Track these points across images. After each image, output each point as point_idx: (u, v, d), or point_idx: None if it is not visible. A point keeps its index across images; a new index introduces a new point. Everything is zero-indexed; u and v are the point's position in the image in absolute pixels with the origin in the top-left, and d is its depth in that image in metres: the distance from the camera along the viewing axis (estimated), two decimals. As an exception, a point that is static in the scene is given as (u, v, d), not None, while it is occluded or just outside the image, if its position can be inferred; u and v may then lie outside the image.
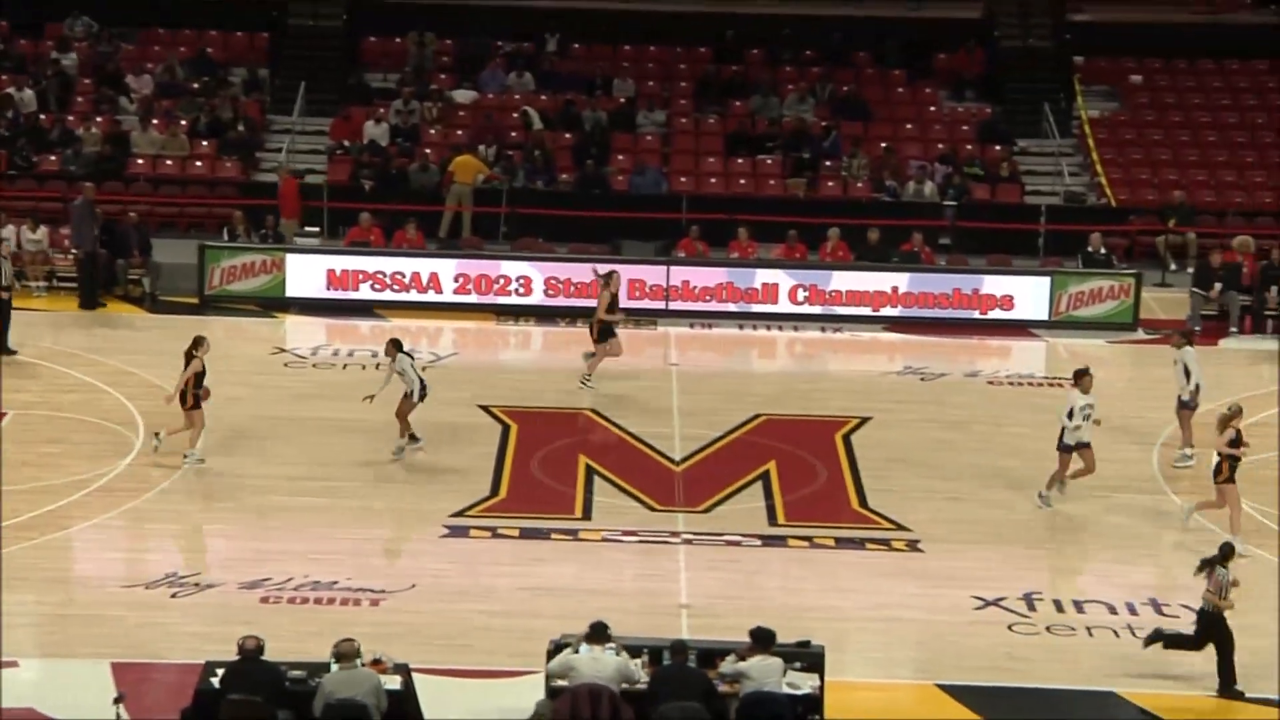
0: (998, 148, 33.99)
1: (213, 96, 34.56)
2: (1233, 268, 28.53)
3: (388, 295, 28.65)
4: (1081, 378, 20.81)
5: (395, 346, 21.76)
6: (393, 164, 33.01)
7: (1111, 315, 28.41)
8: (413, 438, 21.83)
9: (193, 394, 21.26)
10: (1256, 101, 35.22)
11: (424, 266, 28.81)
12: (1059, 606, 18.21)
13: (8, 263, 25.77)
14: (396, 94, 34.97)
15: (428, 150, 33.39)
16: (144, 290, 28.74)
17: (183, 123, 33.86)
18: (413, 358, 21.99)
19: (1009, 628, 17.76)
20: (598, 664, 14.69)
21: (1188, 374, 22.22)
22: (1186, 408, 22.31)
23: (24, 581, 17.94)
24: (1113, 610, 18.14)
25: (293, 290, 28.64)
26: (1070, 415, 20.55)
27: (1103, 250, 29.41)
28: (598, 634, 14.89)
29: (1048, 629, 17.75)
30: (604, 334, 24.55)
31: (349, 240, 30.10)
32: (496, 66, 36.00)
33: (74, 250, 28.65)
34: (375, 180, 32.51)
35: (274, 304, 28.48)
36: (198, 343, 21.51)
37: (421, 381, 21.63)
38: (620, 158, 33.79)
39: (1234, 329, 28.11)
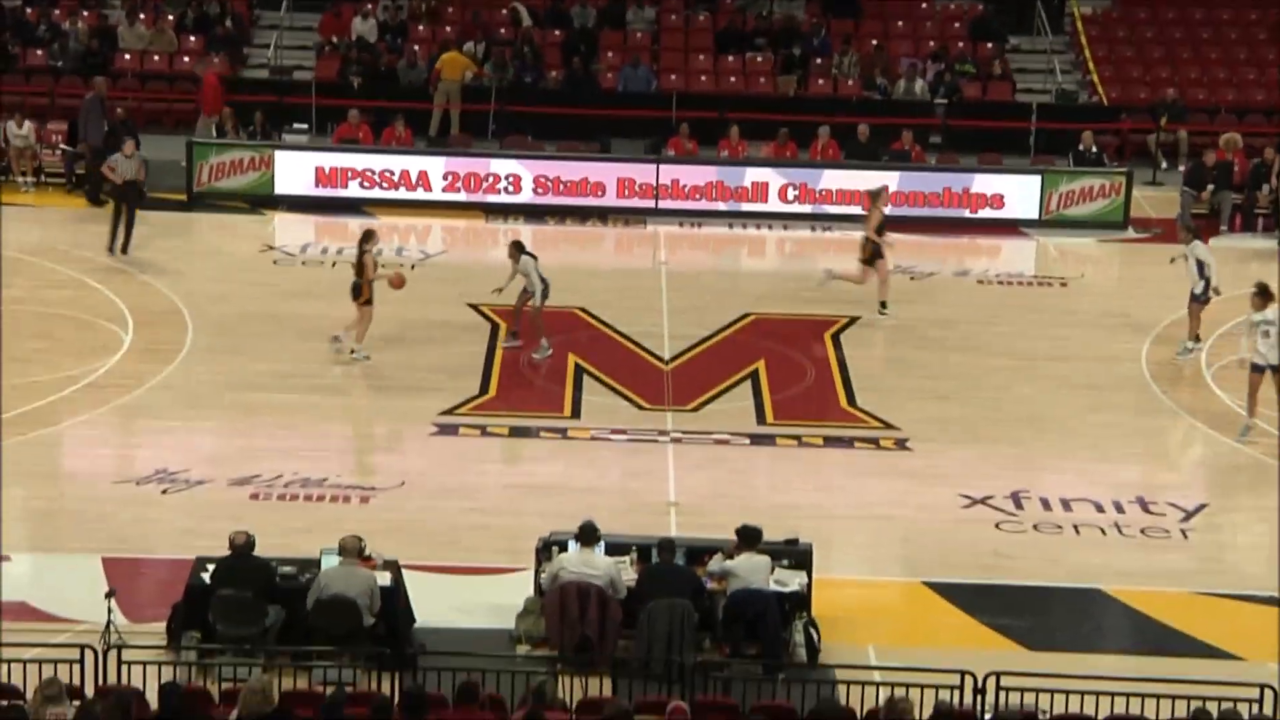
0: (989, 45, 33.78)
1: (199, -8, 34.24)
2: (1224, 166, 28.45)
3: (376, 193, 28.52)
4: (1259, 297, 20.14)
5: (518, 249, 21.91)
6: (381, 61, 32.79)
7: (1102, 214, 28.35)
8: (513, 335, 22.10)
9: (367, 288, 21.32)
10: (1249, -1, 35.02)
11: (413, 164, 28.65)
12: (1046, 504, 18.31)
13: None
14: (384, -11, 34.66)
15: (416, 47, 33.15)
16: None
17: (170, 18, 33.57)
18: (535, 258, 21.92)
19: (996, 526, 17.86)
20: (587, 564, 14.78)
21: (1201, 268, 22.19)
22: (1197, 301, 22.31)
23: (14, 477, 17.97)
24: (1099, 509, 18.24)
25: (281, 188, 28.49)
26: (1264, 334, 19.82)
27: (1094, 149, 29.30)
28: (587, 535, 14.96)
29: (1034, 527, 17.85)
30: (875, 255, 23.63)
31: (337, 138, 29.93)
32: (485, -38, 35.66)
33: (81, 144, 28.34)
34: (363, 77, 32.29)
35: (262, 201, 28.36)
36: (368, 236, 21.61)
37: (544, 281, 21.69)
38: (609, 55, 33.57)
39: (1224, 227, 28.07)
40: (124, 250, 25.27)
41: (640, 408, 20.71)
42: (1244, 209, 28.34)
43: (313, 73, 32.87)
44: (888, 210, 24.74)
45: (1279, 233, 27.64)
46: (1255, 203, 28.31)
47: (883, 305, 23.74)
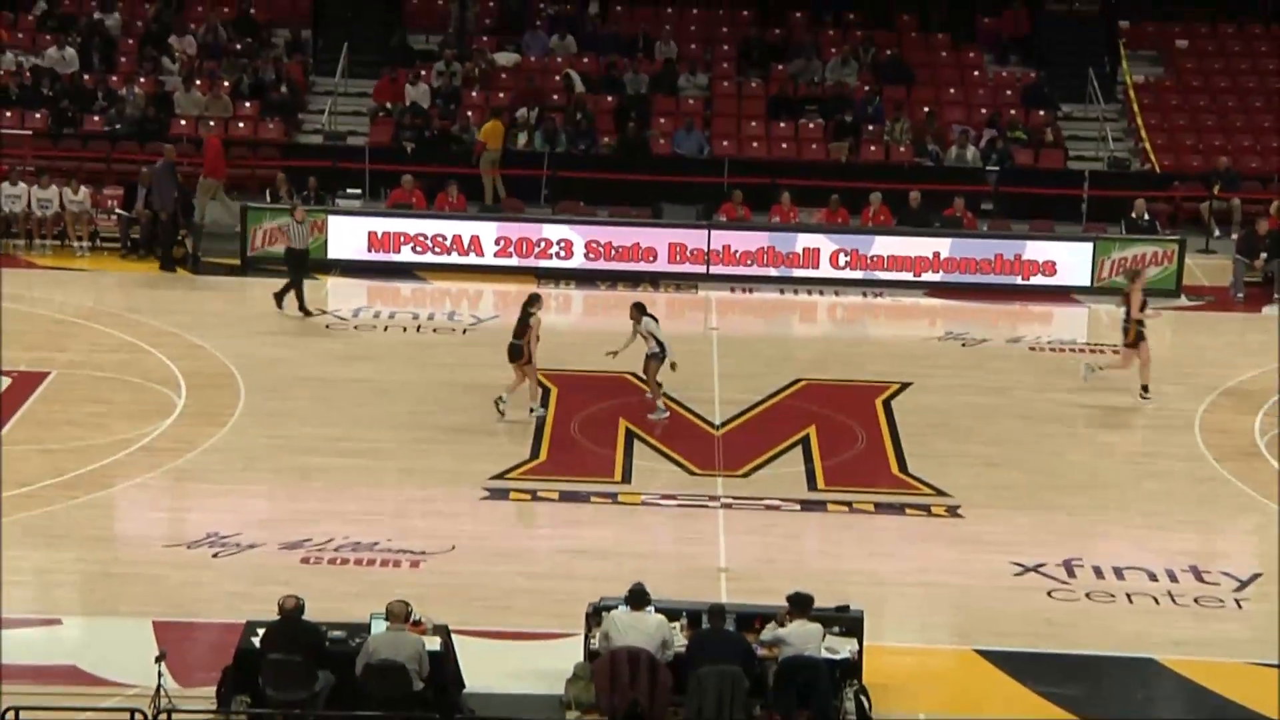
0: (1041, 112, 33.81)
1: (256, 57, 34.64)
2: (1277, 234, 28.34)
3: (429, 258, 28.70)
4: None
5: (639, 310, 22.12)
6: (434, 126, 33.04)
7: (1155, 282, 28.23)
8: (665, 395, 22.25)
9: (529, 349, 21.73)
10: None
11: (465, 229, 28.83)
12: (1099, 573, 18.18)
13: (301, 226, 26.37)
14: (438, 56, 34.99)
15: (469, 112, 33.40)
16: (186, 251, 28.82)
17: (225, 84, 33.94)
18: (656, 320, 22.15)
19: (1048, 594, 17.74)
20: (637, 627, 14.75)
21: None
22: None
23: (67, 539, 18.10)
24: (1153, 577, 18.11)
25: (334, 252, 28.69)
26: None
27: (1146, 216, 29.24)
28: (637, 598, 14.94)
29: (1087, 595, 17.73)
30: (1139, 338, 23.14)
31: (391, 202, 30.15)
32: (538, 29, 35.96)
33: (151, 211, 28.63)
34: (416, 142, 32.54)
35: (316, 266, 28.54)
36: (533, 300, 22.16)
37: (661, 344, 21.89)
38: (662, 121, 33.74)
39: (1278, 295, 27.93)
40: (305, 310, 25.98)
41: (691, 473, 20.69)
42: (1298, 276, 28.20)
43: (366, 138, 33.14)
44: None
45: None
46: (1309, 270, 28.18)
47: (1144, 389, 23.18)
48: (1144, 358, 23.17)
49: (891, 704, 15.17)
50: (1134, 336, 23.20)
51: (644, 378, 22.40)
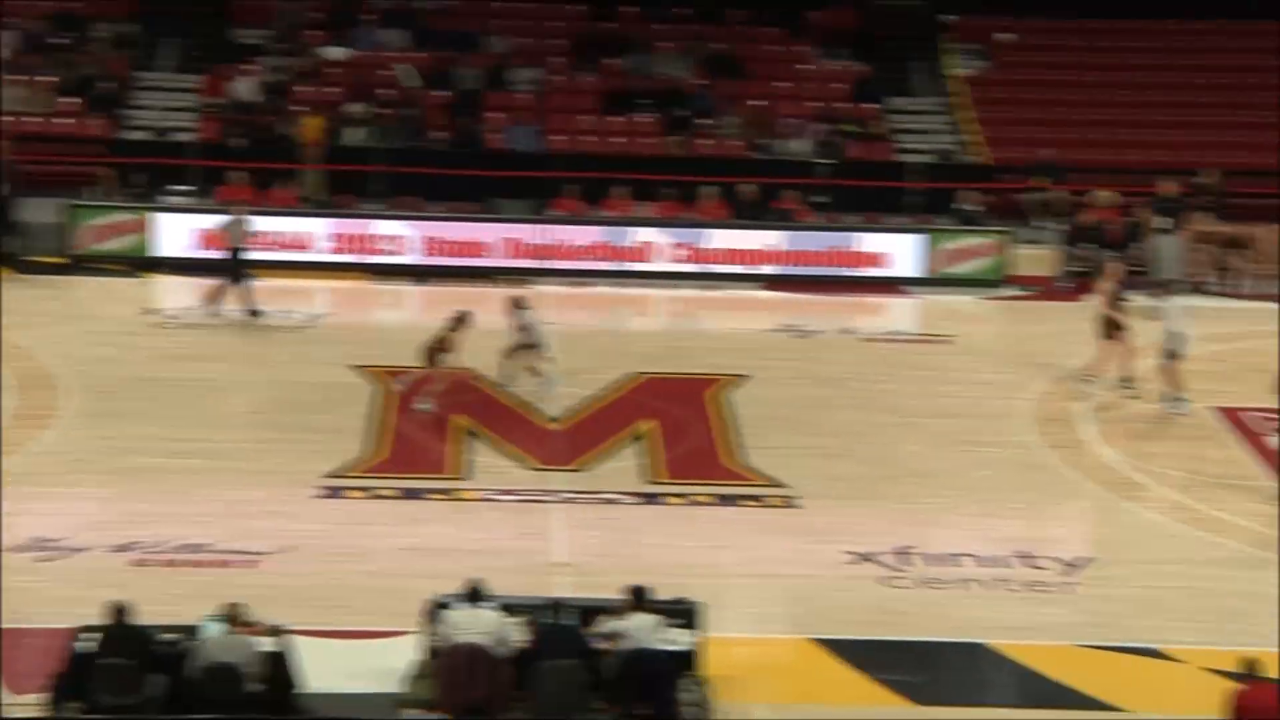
0: (870, 105, 34.19)
1: (79, 53, 33.95)
2: (1099, 225, 28.91)
3: (263, 255, 28.31)
4: None
5: (517, 304, 22.43)
6: (264, 122, 32.63)
7: (983, 272, 28.72)
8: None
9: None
10: (1119, 61, 35.66)
11: (298, 225, 28.53)
12: (932, 560, 18.43)
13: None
14: (267, 51, 34.57)
15: (300, 108, 33.03)
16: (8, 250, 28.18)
17: (48, 79, 33.24)
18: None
19: (883, 582, 17.95)
20: (476, 623, 14.68)
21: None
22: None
23: (-112, 547, 17.62)
24: (984, 563, 18.38)
25: (163, 250, 28.26)
26: None
27: (973, 208, 29.68)
28: (475, 594, 14.88)
29: (921, 582, 17.95)
30: (1114, 328, 23.08)
31: (220, 199, 29.74)
32: (369, 23, 35.66)
33: None
34: (246, 138, 32.13)
35: (143, 264, 28.08)
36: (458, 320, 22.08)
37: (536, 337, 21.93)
38: (494, 115, 33.62)
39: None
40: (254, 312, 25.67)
41: (529, 468, 20.66)
42: (1121, 266, 28.76)
43: (194, 134, 32.66)
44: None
45: (1152, 290, 28.09)
46: (1129, 261, 28.74)
47: (1125, 381, 23.24)
48: (1123, 350, 23.21)
49: (730, 695, 15.24)
50: (1108, 330, 23.30)
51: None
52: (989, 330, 27.16)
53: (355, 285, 28.16)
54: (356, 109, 32.83)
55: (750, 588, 17.90)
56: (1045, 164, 32.03)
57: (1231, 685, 14.36)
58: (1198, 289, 28.17)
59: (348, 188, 31.30)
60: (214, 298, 25.69)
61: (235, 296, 25.64)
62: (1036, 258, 29.80)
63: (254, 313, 25.61)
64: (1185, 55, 35.75)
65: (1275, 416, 22.34)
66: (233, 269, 25.76)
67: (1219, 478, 20.77)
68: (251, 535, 18.44)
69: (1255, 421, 22.37)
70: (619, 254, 28.71)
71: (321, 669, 15.20)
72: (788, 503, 19.94)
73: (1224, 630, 16.92)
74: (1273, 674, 14.32)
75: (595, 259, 28.69)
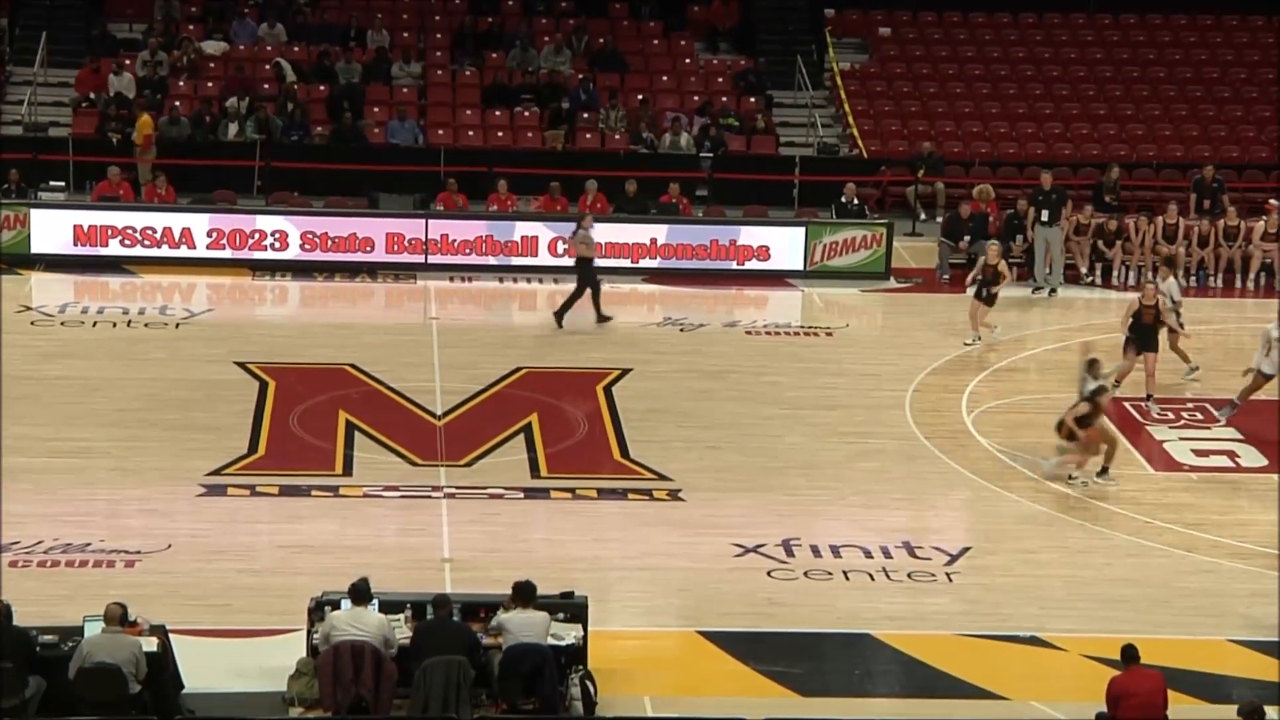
0: (752, 99, 34.33)
1: (-52, 46, 33.42)
2: (980, 218, 29.22)
3: (138, 251, 28.00)
4: None
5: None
6: (141, 117, 32.20)
7: (864, 264, 28.92)
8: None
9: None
10: (999, 54, 36.05)
11: (175, 221, 28.20)
12: (816, 551, 18.54)
13: None
14: (143, 45, 34.15)
15: (177, 103, 32.67)
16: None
17: (-84, 74, 32.70)
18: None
19: (768, 574, 18.03)
20: (359, 621, 14.60)
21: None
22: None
23: None
24: (868, 554, 18.52)
25: (38, 246, 27.85)
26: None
27: (855, 201, 29.92)
28: (359, 594, 14.79)
29: (805, 574, 18.06)
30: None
31: (97, 195, 29.33)
32: (247, 17, 35.32)
33: None
34: (123, 134, 31.71)
35: (19, 260, 27.65)
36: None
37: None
38: (376, 110, 33.42)
39: (978, 275, 28.74)
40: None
41: (413, 464, 20.56)
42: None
43: (69, 129, 32.20)
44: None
45: (1031, 281, 28.46)
46: (1010, 252, 29.08)
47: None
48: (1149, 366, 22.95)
49: (617, 688, 15.27)
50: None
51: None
52: (871, 322, 27.37)
53: (235, 281, 27.89)
54: (235, 103, 32.50)
55: (636, 581, 17.92)
56: (925, 157, 32.32)
57: (1110, 672, 14.58)
58: (1075, 280, 28.53)
59: (227, 183, 30.95)
60: None
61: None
62: (917, 250, 30.06)
63: None
64: (1064, 48, 36.19)
65: (1148, 406, 22.69)
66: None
67: (1097, 466, 21.03)
68: (132, 534, 18.22)
69: (1133, 410, 22.69)
70: (502, 248, 28.63)
71: (204, 668, 15.08)
72: (673, 495, 19.98)
73: (1103, 617, 17.16)
74: (1150, 660, 14.53)
75: (479, 254, 28.60)
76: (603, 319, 25.92)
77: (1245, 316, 27.58)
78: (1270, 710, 14.04)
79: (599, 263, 26.52)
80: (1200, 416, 22.66)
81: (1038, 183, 29.24)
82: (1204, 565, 18.49)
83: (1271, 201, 30.49)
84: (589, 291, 25.88)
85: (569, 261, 28.44)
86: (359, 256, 28.38)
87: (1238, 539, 19.07)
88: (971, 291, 25.40)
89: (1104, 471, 20.48)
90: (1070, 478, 20.39)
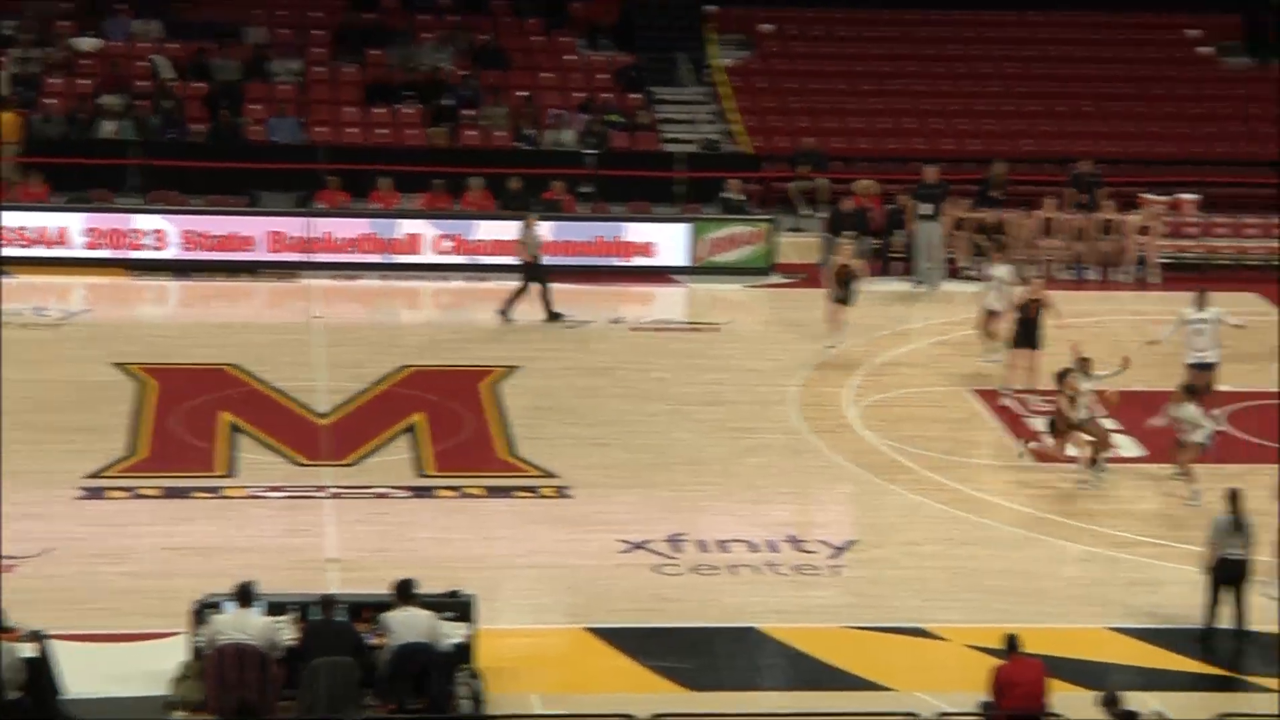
0: (635, 96, 34.35)
1: None
2: (861, 213, 29.42)
3: (13, 251, 27.54)
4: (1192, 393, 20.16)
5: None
6: (3, 115, 31.67)
7: (749, 260, 29.04)
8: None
9: None
10: (881, 50, 36.30)
11: (51, 220, 27.81)
12: (703, 546, 18.59)
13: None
14: (16, 41, 33.59)
15: (51, 100, 32.16)
16: None
17: None
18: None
19: (655, 569, 18.06)
20: (244, 624, 14.45)
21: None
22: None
23: None
24: (754, 549, 18.60)
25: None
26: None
27: (739, 197, 30.01)
28: (244, 595, 14.64)
29: (692, 569, 18.10)
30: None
31: (-29, 194, 28.86)
32: (122, 13, 34.84)
33: None
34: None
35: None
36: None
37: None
38: (255, 107, 33.09)
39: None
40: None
41: (297, 464, 20.39)
42: (881, 253, 29.33)
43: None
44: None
45: (914, 276, 28.69)
46: (891, 247, 29.34)
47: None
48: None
49: (505, 686, 15.24)
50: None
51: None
52: (755, 318, 27.48)
53: (113, 281, 27.52)
54: (110, 101, 32.06)
55: (524, 579, 17.89)
56: (808, 152, 32.48)
57: (994, 661, 14.73)
58: (956, 274, 28.81)
59: (103, 181, 30.51)
60: None
61: None
62: (801, 245, 30.22)
63: None
64: (945, 44, 36.48)
65: (1024, 397, 22.93)
66: None
67: (978, 459, 21.27)
68: (9, 539, 17.90)
69: (1013, 403, 22.92)
70: (386, 246, 28.47)
71: (85, 673, 14.87)
72: (560, 493, 19.96)
73: (986, 608, 17.34)
74: (1032, 649, 14.69)
75: (361, 252, 28.42)
76: (553, 317, 25.96)
77: (1122, 309, 27.97)
78: (1148, 696, 14.25)
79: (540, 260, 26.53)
80: (1080, 408, 22.91)
81: (920, 178, 29.49)
82: (1083, 554, 18.74)
83: (1145, 195, 31.00)
84: (538, 289, 25.99)
85: (455, 259, 28.40)
86: (240, 255, 28.10)
87: (1116, 529, 19.34)
88: (831, 294, 24.99)
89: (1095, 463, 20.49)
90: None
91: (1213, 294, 22.80)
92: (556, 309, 26.05)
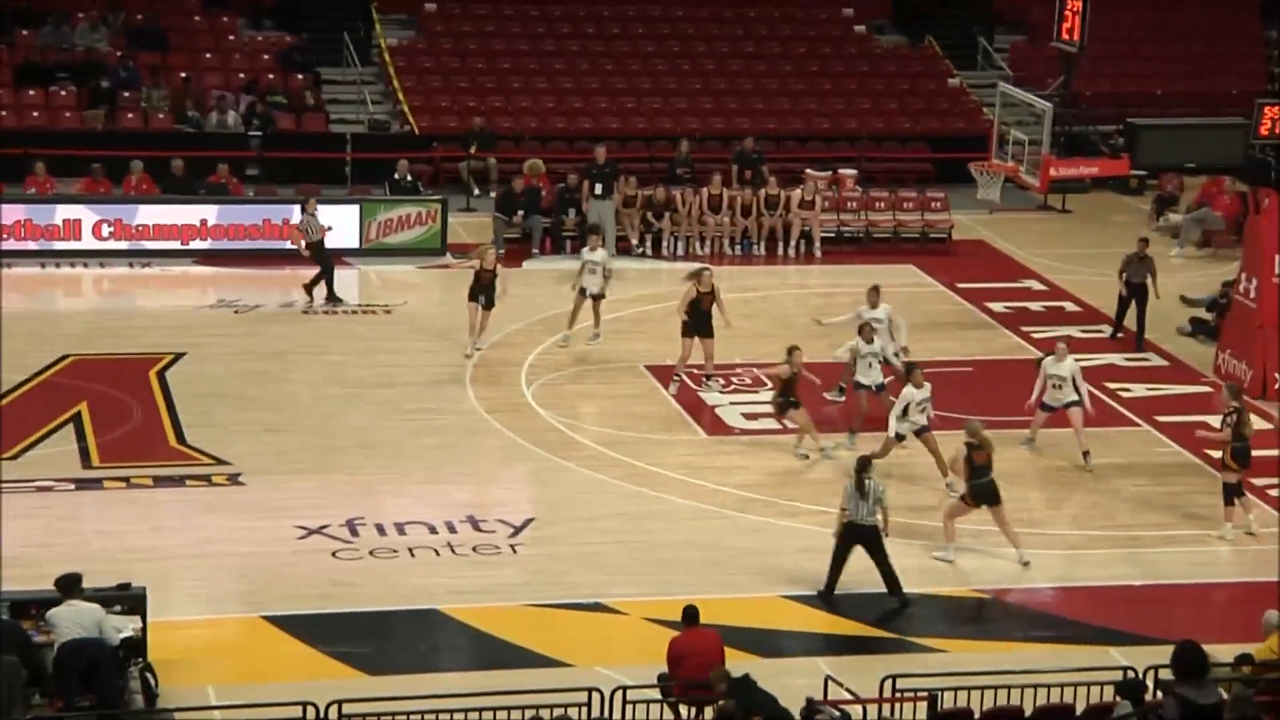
0: (300, 76, 33.89)
1: None
2: (533, 192, 29.55)
3: None
4: (912, 372, 20.13)
5: None
6: None
7: (420, 241, 28.92)
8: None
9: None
10: (545, 30, 36.45)
11: None
12: (381, 530, 18.52)
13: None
14: None
15: None
16: None
17: None
18: None
19: (333, 554, 17.93)
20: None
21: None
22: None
23: None
24: (433, 530, 18.60)
25: None
26: (905, 411, 19.83)
27: (409, 178, 29.87)
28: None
29: (371, 553, 18.02)
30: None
31: None
32: None
33: None
34: None
35: None
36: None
37: None
38: (-101, 89, 31.71)
39: (535, 250, 29.16)
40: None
41: (-47, 460, 19.68)
42: (553, 232, 29.52)
43: None
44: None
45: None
46: (563, 226, 29.55)
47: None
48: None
49: (179, 679, 14.98)
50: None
51: None
52: (428, 299, 27.39)
53: None
54: None
55: (197, 569, 17.59)
56: (477, 133, 32.47)
57: (671, 633, 15.00)
58: (626, 251, 29.14)
59: None
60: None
61: None
62: (472, 225, 30.22)
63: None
64: (608, 23, 36.81)
65: (708, 383, 23.28)
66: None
67: (651, 433, 21.58)
68: None
69: (688, 381, 23.29)
70: (43, 232, 27.57)
71: None
72: (233, 480, 19.66)
73: (662, 581, 17.64)
74: (710, 619, 14.99)
75: (18, 238, 27.46)
76: (334, 299, 26.03)
77: (788, 283, 28.67)
78: (821, 661, 14.63)
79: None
80: (749, 381, 23.42)
81: (591, 157, 29.71)
82: (756, 525, 19.18)
83: (808, 171, 31.81)
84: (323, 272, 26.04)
85: (116, 245, 27.68)
86: (-114, 244, 26.92)
87: (786, 499, 19.84)
88: (470, 298, 24.09)
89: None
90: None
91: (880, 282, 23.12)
92: (338, 293, 26.24)
